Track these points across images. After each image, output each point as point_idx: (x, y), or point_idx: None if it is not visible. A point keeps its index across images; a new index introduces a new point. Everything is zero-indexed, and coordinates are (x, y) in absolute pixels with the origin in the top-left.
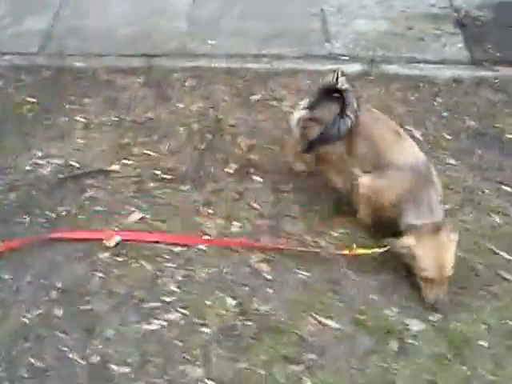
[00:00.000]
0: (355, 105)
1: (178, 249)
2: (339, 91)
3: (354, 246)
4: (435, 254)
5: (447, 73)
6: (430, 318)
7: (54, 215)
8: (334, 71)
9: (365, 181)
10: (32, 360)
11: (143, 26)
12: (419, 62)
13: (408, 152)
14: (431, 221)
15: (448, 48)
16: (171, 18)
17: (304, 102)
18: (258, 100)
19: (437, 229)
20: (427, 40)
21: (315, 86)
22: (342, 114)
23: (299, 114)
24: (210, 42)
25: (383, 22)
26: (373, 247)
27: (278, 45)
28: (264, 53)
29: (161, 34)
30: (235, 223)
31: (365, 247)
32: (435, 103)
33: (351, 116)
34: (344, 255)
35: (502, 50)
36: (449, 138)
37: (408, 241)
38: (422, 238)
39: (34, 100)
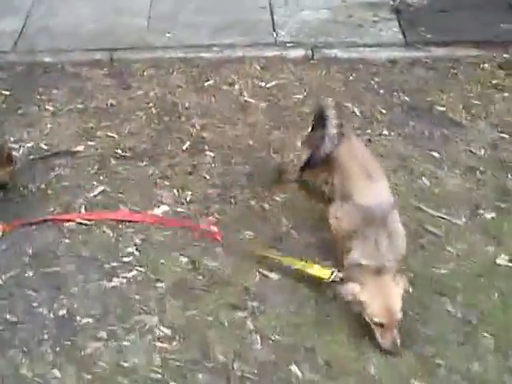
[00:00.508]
0: (334, 132)
1: None
2: (324, 119)
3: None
4: (381, 298)
5: (383, 55)
6: None
7: (25, 191)
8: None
9: (330, 208)
10: (6, 315)
11: (106, 23)
12: (358, 46)
13: (371, 192)
14: (375, 263)
15: (384, 32)
16: (131, 15)
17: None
18: (210, 85)
19: (379, 272)
20: (365, 26)
21: (264, 71)
22: (322, 139)
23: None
24: (167, 34)
25: (325, 11)
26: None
27: (228, 35)
28: (216, 43)
29: (122, 30)
30: (188, 193)
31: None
32: (372, 82)
33: (328, 144)
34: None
35: (433, 33)
36: (384, 112)
37: (352, 287)
38: (366, 281)
39: (8, 93)
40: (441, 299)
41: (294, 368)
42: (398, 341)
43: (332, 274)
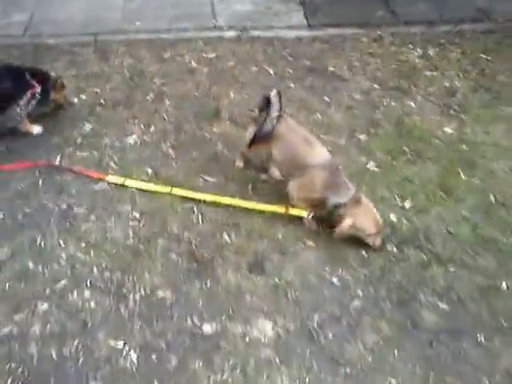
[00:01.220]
0: (275, 115)
1: (117, 144)
2: (269, 102)
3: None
4: (368, 217)
5: (292, 34)
6: None
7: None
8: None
9: (292, 184)
10: (25, 209)
11: (92, 15)
12: (274, 28)
13: (319, 154)
14: (351, 196)
15: (294, 18)
16: (110, 10)
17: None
18: (168, 57)
19: (357, 199)
20: (279, 14)
21: (206, 47)
22: (264, 120)
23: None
24: (136, 23)
25: (251, 5)
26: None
27: (181, 22)
28: (172, 28)
29: (103, 20)
30: (152, 127)
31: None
32: (284, 53)
33: (269, 124)
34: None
35: (328, 18)
36: (291, 72)
37: (348, 222)
38: (353, 212)
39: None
40: None
41: (225, 236)
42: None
43: (308, 214)
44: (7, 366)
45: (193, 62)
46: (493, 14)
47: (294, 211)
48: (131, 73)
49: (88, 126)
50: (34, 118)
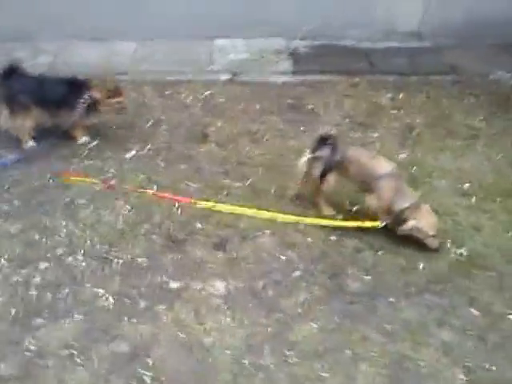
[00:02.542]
0: (338, 144)
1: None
2: (327, 137)
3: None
4: (428, 220)
5: (280, 79)
6: None
7: None
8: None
9: (369, 198)
10: None
11: (108, 61)
12: (263, 74)
13: (385, 166)
14: (414, 201)
15: (282, 67)
16: (121, 56)
17: (308, 151)
18: (168, 94)
19: (418, 204)
20: (270, 63)
21: (202, 87)
22: (333, 150)
23: (305, 157)
24: (143, 67)
25: (246, 54)
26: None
27: (183, 66)
28: (175, 70)
29: (118, 65)
30: (148, 145)
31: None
32: (271, 93)
33: (339, 153)
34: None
35: (312, 67)
36: (275, 109)
37: (411, 223)
38: (415, 214)
39: None
40: None
41: (197, 224)
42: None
43: (380, 223)
44: (11, 301)
45: (188, 99)
46: (460, 69)
47: (368, 223)
48: (135, 104)
49: (94, 143)
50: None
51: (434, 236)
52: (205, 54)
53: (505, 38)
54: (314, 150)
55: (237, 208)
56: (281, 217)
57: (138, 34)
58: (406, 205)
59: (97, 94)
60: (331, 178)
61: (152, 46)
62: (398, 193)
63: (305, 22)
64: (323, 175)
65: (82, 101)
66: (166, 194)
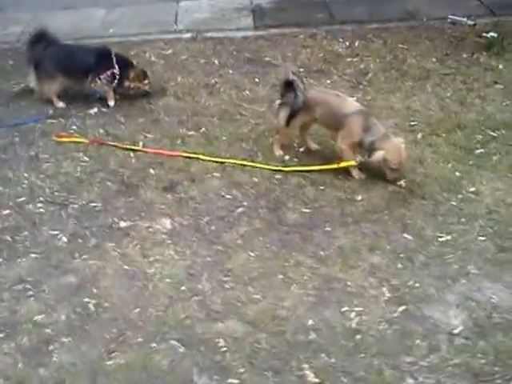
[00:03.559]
0: (301, 87)
1: (80, 114)
2: (290, 82)
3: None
4: (395, 151)
5: (240, 34)
6: None
7: None
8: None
9: (338, 137)
10: None
11: (79, 27)
12: (225, 30)
13: (351, 104)
14: (381, 134)
15: (243, 23)
16: (92, 22)
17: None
18: (133, 54)
19: (386, 136)
20: (231, 20)
21: (166, 46)
22: (295, 94)
23: (276, 103)
24: (110, 30)
25: (209, 14)
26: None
27: (148, 28)
28: (141, 32)
29: (88, 30)
30: (111, 102)
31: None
32: (230, 48)
33: (300, 94)
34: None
35: (273, 21)
36: (233, 62)
37: (380, 153)
38: (382, 146)
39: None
40: None
41: (150, 170)
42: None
43: (337, 163)
44: None
45: (152, 57)
46: (419, 15)
47: (343, 163)
48: None
49: (60, 104)
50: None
51: (395, 169)
52: (170, 15)
53: None
54: (281, 96)
55: (218, 158)
56: (263, 167)
57: (107, 1)
58: (374, 138)
59: (134, 77)
60: (296, 122)
61: (120, 11)
62: (366, 128)
63: None
64: (290, 119)
65: (108, 73)
66: (151, 149)
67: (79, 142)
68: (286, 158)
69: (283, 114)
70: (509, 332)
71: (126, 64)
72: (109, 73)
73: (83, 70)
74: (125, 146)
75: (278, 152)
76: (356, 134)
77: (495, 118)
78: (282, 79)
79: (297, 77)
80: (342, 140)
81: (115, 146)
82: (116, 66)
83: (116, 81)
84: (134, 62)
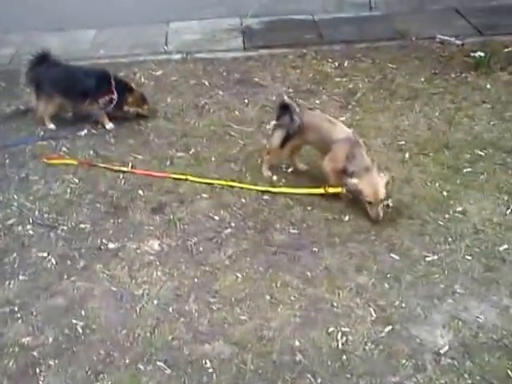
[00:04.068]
0: (297, 111)
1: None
2: (287, 105)
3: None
4: (371, 185)
5: (230, 55)
6: None
7: None
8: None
9: (325, 160)
10: None
11: (69, 48)
12: (215, 51)
13: (341, 130)
14: (364, 166)
15: (233, 44)
16: (82, 43)
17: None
18: (122, 75)
19: (368, 169)
20: (222, 41)
21: (156, 66)
22: (291, 118)
23: (270, 125)
24: (101, 51)
25: (199, 35)
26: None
27: (138, 49)
28: (131, 53)
29: (78, 51)
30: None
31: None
32: (220, 69)
33: (296, 118)
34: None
35: (262, 42)
36: (223, 83)
37: (354, 181)
38: (361, 177)
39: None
40: None
41: (139, 191)
42: (381, 213)
43: (325, 188)
44: None
45: (142, 78)
46: (408, 35)
47: (331, 189)
48: None
49: (50, 126)
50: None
51: (373, 203)
52: (160, 37)
53: (450, 3)
54: (277, 119)
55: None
56: (254, 188)
57: (97, 22)
58: (355, 168)
59: (133, 101)
60: (290, 144)
61: (110, 32)
62: (351, 157)
63: (256, 0)
64: (284, 142)
65: (106, 98)
66: (140, 171)
67: (69, 164)
68: (274, 178)
69: (278, 137)
70: (495, 352)
71: (124, 89)
72: (107, 98)
73: (82, 93)
74: (114, 168)
75: (267, 173)
76: (340, 160)
77: (483, 138)
78: (278, 102)
79: (292, 100)
80: (327, 163)
81: (105, 167)
82: (115, 92)
83: (112, 105)
84: (133, 86)
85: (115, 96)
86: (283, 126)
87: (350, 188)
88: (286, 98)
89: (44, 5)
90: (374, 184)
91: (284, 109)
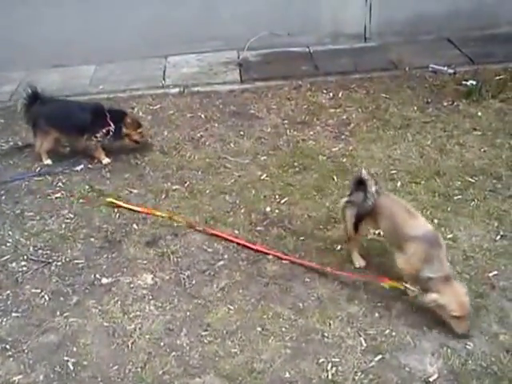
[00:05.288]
0: (373, 190)
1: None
2: (363, 181)
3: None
4: (455, 297)
5: (226, 88)
6: None
7: None
8: (359, 169)
9: (399, 261)
10: None
11: (69, 84)
12: (212, 84)
13: (420, 225)
14: (443, 274)
15: (229, 76)
16: (81, 79)
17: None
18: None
19: (448, 278)
20: (218, 74)
21: (153, 101)
22: (364, 197)
23: (342, 200)
24: (100, 87)
25: (197, 68)
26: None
27: (137, 84)
28: (129, 88)
29: (77, 87)
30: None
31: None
32: (217, 102)
33: (370, 197)
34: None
35: (258, 75)
36: (218, 115)
37: (433, 297)
38: (441, 289)
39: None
40: None
41: (134, 225)
42: (469, 324)
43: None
44: None
45: (140, 112)
46: (401, 65)
47: (390, 283)
48: None
49: (47, 161)
50: (108, 150)
51: (459, 317)
52: (158, 71)
53: (443, 33)
54: (350, 193)
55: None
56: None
57: (97, 58)
58: (432, 275)
59: (128, 127)
60: (363, 227)
61: (110, 68)
62: (427, 260)
63: (253, 34)
64: (358, 222)
65: (104, 130)
66: (209, 230)
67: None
68: (363, 264)
69: (350, 216)
70: (484, 379)
71: (119, 116)
72: (104, 130)
73: (79, 128)
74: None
75: (359, 262)
76: (414, 263)
77: (473, 165)
78: (355, 175)
79: (371, 177)
80: (401, 264)
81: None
82: (111, 123)
83: (110, 136)
84: (127, 111)
85: (112, 127)
86: (354, 204)
87: (428, 304)
88: (364, 171)
89: (44, 42)
90: (459, 295)
91: (359, 184)
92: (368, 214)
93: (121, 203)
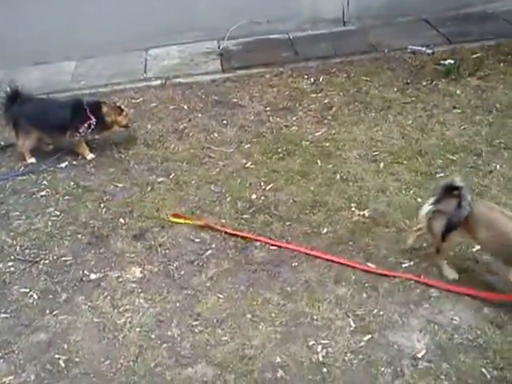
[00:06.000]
0: (469, 198)
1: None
2: (457, 188)
3: None
4: None
5: (208, 78)
6: None
7: None
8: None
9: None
10: None
11: (51, 81)
12: (193, 75)
13: None
14: None
15: (211, 66)
16: (63, 75)
17: (431, 199)
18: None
19: None
20: (200, 64)
21: (135, 94)
22: (459, 205)
23: (427, 208)
24: (82, 82)
25: (178, 59)
26: None
27: (118, 78)
28: (111, 82)
29: (59, 84)
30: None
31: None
32: (199, 92)
33: (467, 207)
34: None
35: (239, 63)
36: (201, 105)
37: None
38: None
39: None
40: None
41: (121, 219)
42: None
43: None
44: None
45: (122, 106)
46: (381, 47)
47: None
48: None
49: (31, 160)
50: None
51: None
52: (140, 64)
53: (420, 14)
54: (437, 201)
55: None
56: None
57: (78, 54)
58: None
59: (109, 115)
60: (454, 238)
61: (91, 63)
62: None
63: (233, 23)
64: (446, 232)
65: (85, 125)
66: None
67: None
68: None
69: (439, 227)
70: (470, 352)
71: (98, 108)
72: (86, 125)
73: (60, 126)
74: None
75: (452, 275)
76: None
77: (454, 142)
78: (445, 182)
79: (466, 184)
80: None
81: (233, 234)
82: (91, 117)
83: (92, 129)
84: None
85: (93, 120)
86: (444, 213)
87: None
88: (457, 178)
89: (24, 39)
90: None
91: (450, 191)
92: (460, 224)
93: (182, 220)
